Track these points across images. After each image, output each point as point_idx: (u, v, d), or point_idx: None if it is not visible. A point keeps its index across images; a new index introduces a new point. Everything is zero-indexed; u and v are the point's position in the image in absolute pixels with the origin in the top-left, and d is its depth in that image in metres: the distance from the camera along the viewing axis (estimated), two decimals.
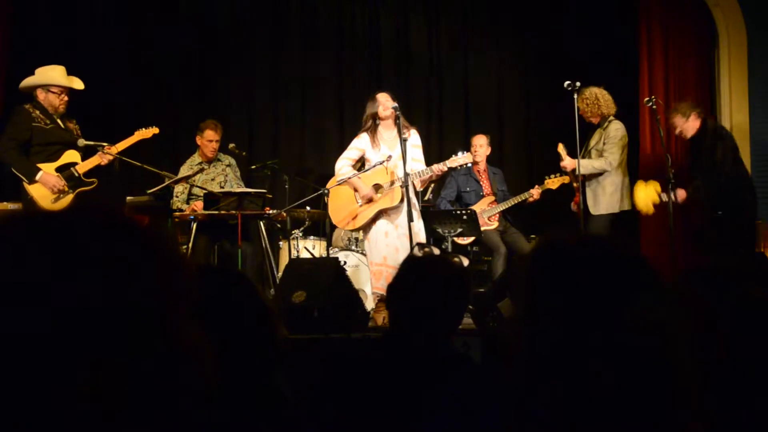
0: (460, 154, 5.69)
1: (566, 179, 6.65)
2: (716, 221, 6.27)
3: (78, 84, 5.85)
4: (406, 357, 2.10)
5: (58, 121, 5.77)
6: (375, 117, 5.69)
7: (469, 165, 6.05)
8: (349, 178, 5.69)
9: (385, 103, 5.60)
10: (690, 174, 6.52)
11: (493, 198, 6.97)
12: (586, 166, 6.28)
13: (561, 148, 6.32)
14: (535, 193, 6.77)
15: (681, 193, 6.22)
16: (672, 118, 6.51)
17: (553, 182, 6.75)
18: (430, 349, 2.12)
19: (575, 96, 6.02)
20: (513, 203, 6.85)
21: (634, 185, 6.36)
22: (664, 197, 6.18)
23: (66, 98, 5.77)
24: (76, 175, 5.71)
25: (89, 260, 0.78)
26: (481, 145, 7.04)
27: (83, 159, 5.78)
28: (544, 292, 1.12)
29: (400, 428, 2.02)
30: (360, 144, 5.77)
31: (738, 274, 1.91)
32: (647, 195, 6.18)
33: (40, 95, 5.73)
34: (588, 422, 1.04)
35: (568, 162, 6.28)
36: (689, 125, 6.41)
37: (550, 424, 1.06)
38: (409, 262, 2.23)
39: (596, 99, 6.34)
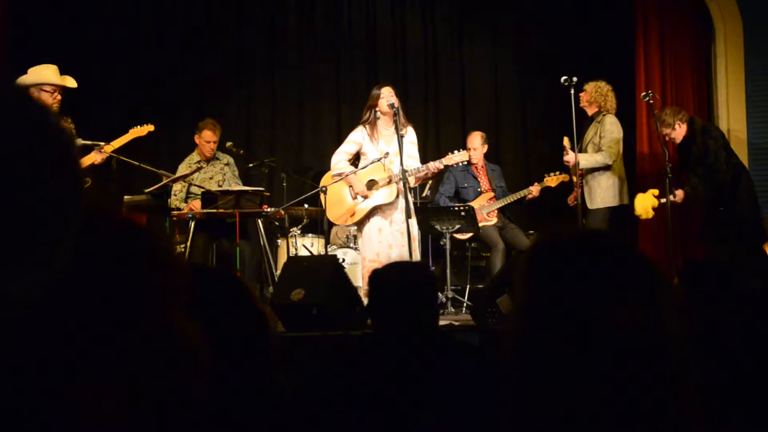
0: (456, 152, 5.68)
1: (566, 177, 6.66)
2: (718, 217, 6.31)
3: (71, 82, 5.80)
4: (393, 353, 2.20)
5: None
6: (374, 109, 5.66)
7: (467, 163, 6.04)
8: (346, 174, 5.68)
9: (387, 97, 5.58)
10: (684, 173, 6.56)
11: (492, 194, 6.95)
12: (588, 159, 6.32)
13: (566, 142, 6.33)
14: (535, 190, 6.77)
15: (679, 194, 6.29)
16: (661, 129, 6.57)
17: (552, 180, 6.76)
18: (419, 342, 2.22)
19: (572, 91, 6.03)
20: (512, 200, 6.84)
21: (634, 198, 6.41)
22: (664, 200, 6.25)
23: (59, 97, 5.72)
24: None
25: (81, 259, 0.77)
26: (475, 148, 6.97)
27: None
28: (544, 288, 1.12)
29: (399, 421, 2.04)
30: (357, 137, 5.75)
31: (737, 268, 1.91)
32: (645, 202, 6.22)
33: (33, 95, 5.65)
34: (586, 419, 1.04)
35: (571, 156, 6.27)
36: (677, 132, 6.50)
37: (546, 419, 1.06)
38: (371, 277, 2.41)
39: (606, 93, 6.51)
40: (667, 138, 6.57)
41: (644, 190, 6.87)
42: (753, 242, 6.36)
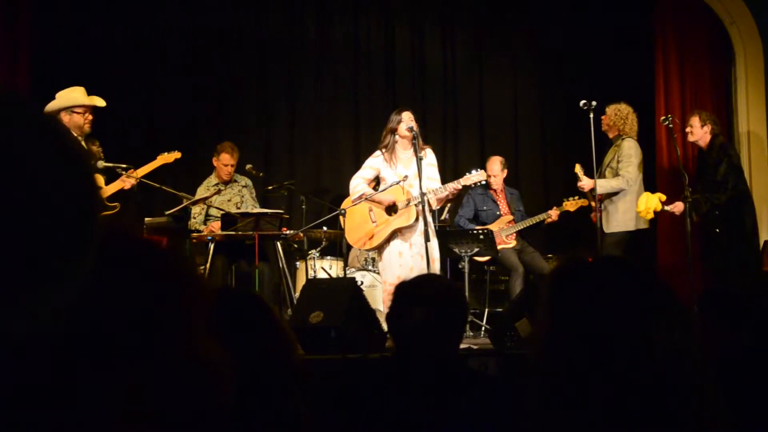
0: (474, 171, 5.66)
1: (585, 202, 6.64)
2: (718, 239, 6.27)
3: (99, 102, 5.86)
4: (415, 379, 2.11)
5: (83, 144, 5.78)
6: (394, 133, 5.66)
7: (484, 183, 6.01)
8: (366, 196, 5.66)
9: (407, 122, 5.57)
10: (694, 185, 6.54)
11: (511, 217, 6.96)
12: (603, 185, 6.29)
13: (578, 169, 6.34)
14: (554, 214, 6.76)
15: (679, 205, 6.25)
16: (691, 118, 6.58)
17: (571, 204, 6.74)
18: (440, 369, 2.13)
19: (591, 115, 6.02)
20: (531, 223, 6.84)
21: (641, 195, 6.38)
22: (668, 208, 6.23)
23: (90, 117, 5.77)
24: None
25: (104, 279, 0.78)
26: (495, 174, 7.00)
27: (105, 183, 5.80)
28: (564, 313, 1.12)
29: None
30: (375, 163, 5.74)
31: (754, 294, 1.89)
32: (650, 202, 6.18)
33: (65, 118, 5.67)
34: None
35: (585, 182, 6.29)
36: (699, 132, 6.48)
37: None
38: (400, 287, 2.22)
39: (626, 116, 6.49)
40: (687, 128, 6.61)
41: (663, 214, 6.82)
42: (753, 266, 6.34)
